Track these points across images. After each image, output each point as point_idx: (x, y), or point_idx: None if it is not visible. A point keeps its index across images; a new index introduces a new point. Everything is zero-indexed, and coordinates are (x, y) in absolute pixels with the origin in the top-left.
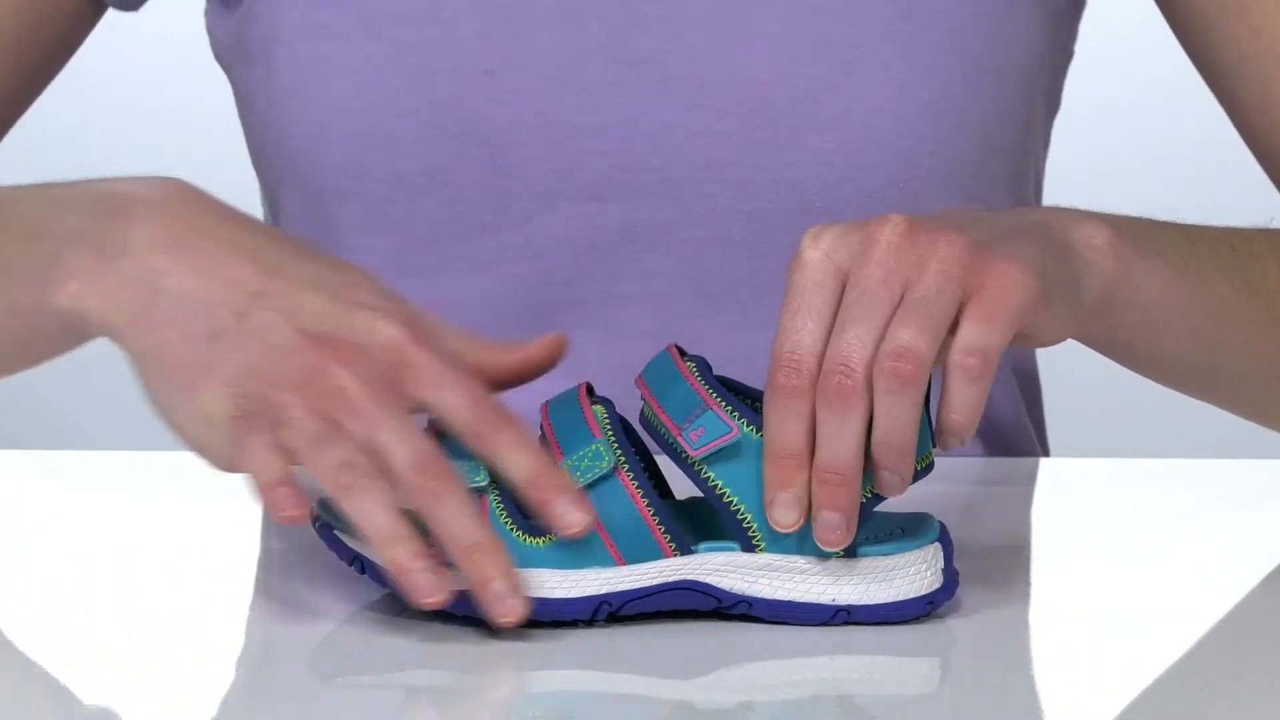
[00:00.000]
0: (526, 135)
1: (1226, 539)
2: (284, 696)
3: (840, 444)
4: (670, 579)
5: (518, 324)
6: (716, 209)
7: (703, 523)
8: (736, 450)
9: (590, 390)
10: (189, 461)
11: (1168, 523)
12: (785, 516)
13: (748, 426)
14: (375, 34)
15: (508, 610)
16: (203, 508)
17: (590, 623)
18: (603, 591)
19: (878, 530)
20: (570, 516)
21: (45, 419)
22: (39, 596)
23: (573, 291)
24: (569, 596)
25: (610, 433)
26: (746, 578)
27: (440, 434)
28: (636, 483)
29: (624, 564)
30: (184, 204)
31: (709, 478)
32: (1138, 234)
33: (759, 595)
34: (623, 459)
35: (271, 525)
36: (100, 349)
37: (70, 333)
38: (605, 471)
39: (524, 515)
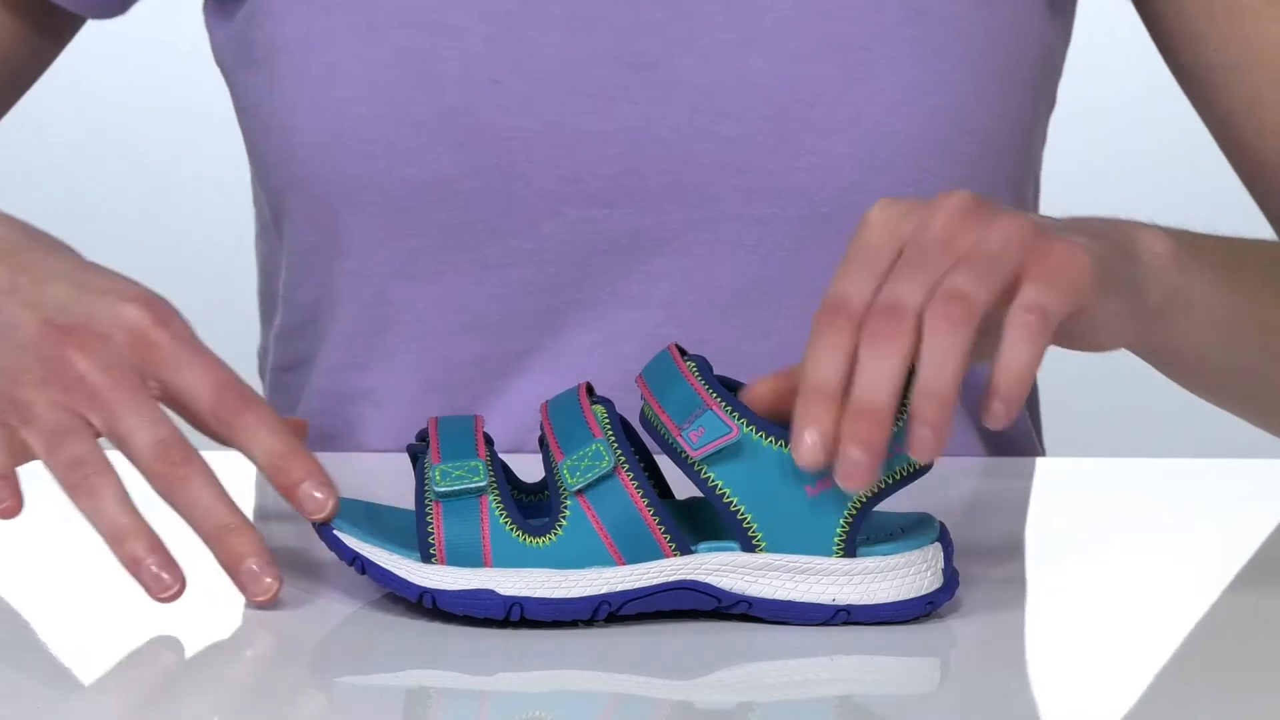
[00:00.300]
0: (534, 142)
1: (1226, 539)
2: (284, 697)
3: (878, 380)
4: (670, 579)
5: (524, 328)
6: (724, 214)
7: (703, 523)
8: (737, 450)
9: (590, 390)
10: None
11: (1167, 522)
12: (808, 454)
13: (747, 426)
14: (381, 42)
15: (264, 588)
16: None
17: (590, 623)
18: (602, 591)
19: (878, 530)
20: (314, 500)
21: None
22: (37, 597)
23: (579, 295)
24: (569, 596)
25: (610, 432)
26: (746, 578)
27: (440, 432)
28: (636, 483)
29: (624, 564)
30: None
31: (709, 478)
32: (1192, 243)
33: (759, 595)
34: (623, 459)
35: (271, 524)
36: None
37: None
38: (605, 471)
39: (524, 515)
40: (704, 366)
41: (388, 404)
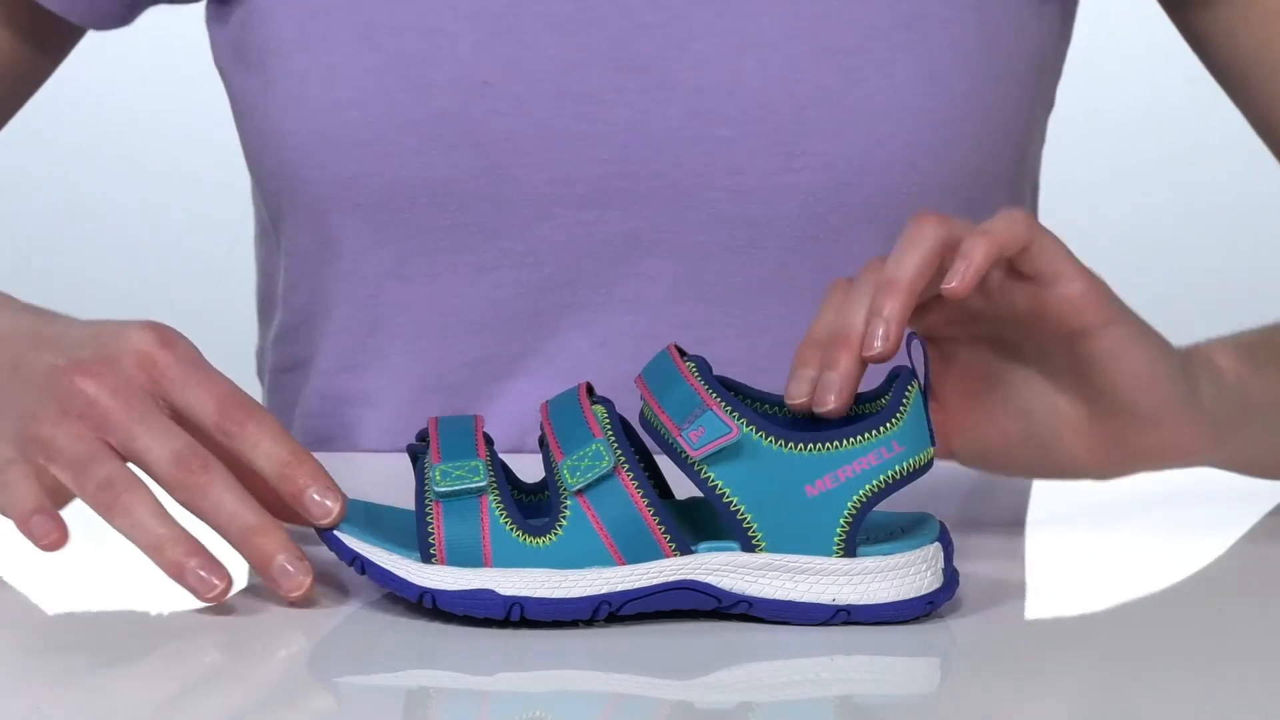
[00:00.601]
0: (527, 144)
1: (1226, 539)
2: (284, 697)
3: (849, 309)
4: (670, 579)
5: (518, 330)
6: (718, 215)
7: (703, 523)
8: (737, 450)
9: (590, 390)
10: None
11: (1167, 522)
12: (794, 389)
13: (747, 426)
14: (374, 44)
15: (297, 584)
16: None
17: (590, 623)
18: (603, 591)
19: (878, 530)
20: (320, 506)
21: None
22: (35, 596)
23: (573, 297)
24: (569, 596)
25: (610, 432)
26: (746, 578)
27: (440, 432)
28: (636, 482)
29: (624, 564)
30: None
31: (709, 478)
32: (1250, 344)
33: (759, 595)
34: (622, 459)
35: None
36: None
37: None
38: (605, 471)
39: (524, 515)
40: (703, 367)
41: (383, 406)
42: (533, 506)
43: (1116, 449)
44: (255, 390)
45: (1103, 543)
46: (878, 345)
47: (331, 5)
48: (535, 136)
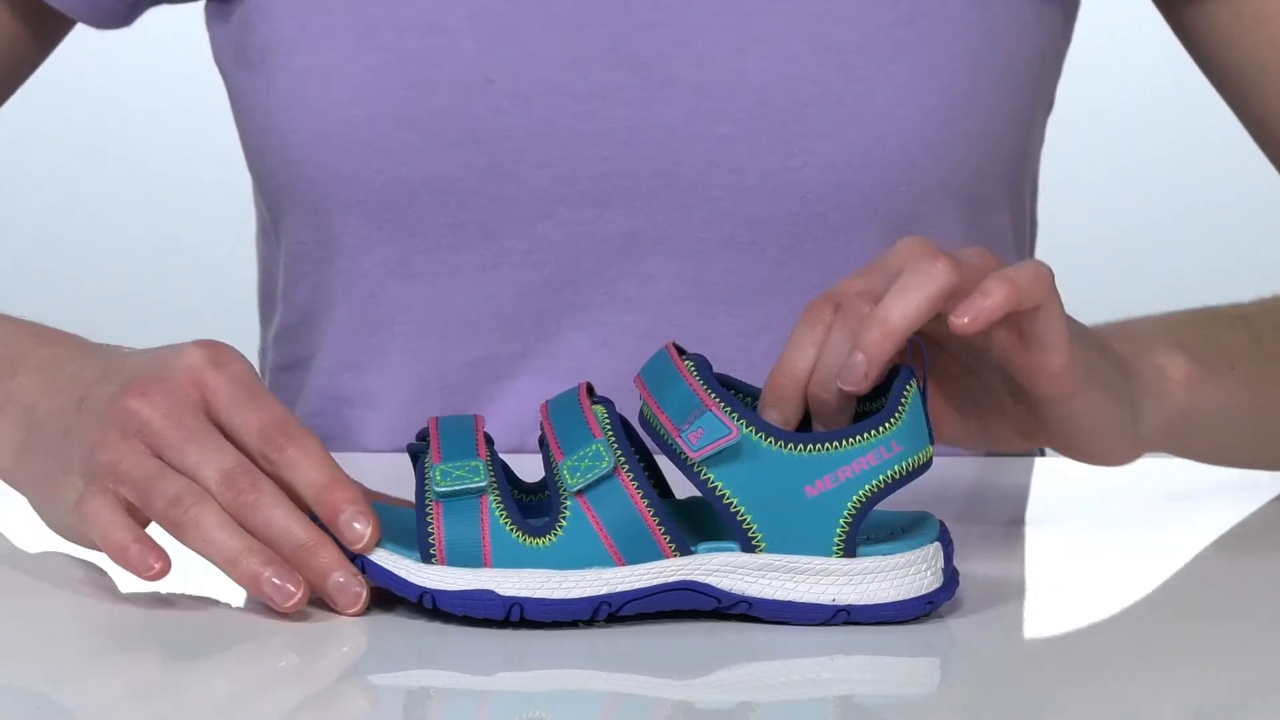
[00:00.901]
0: (528, 142)
1: (1226, 538)
2: (284, 697)
3: (835, 349)
4: (670, 579)
5: (519, 329)
6: (719, 213)
7: (702, 522)
8: (736, 451)
9: (590, 390)
10: None
11: (1166, 520)
12: (769, 413)
13: (747, 427)
14: (376, 42)
15: (352, 599)
16: None
17: (590, 623)
18: (602, 592)
19: (878, 530)
20: (352, 531)
21: None
22: (33, 595)
23: (575, 295)
24: (569, 597)
25: (610, 432)
26: (746, 578)
27: (440, 432)
28: (636, 483)
29: (624, 564)
30: (55, 344)
31: (708, 479)
32: (1213, 349)
33: (759, 595)
34: (622, 459)
35: None
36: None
37: None
38: (605, 472)
39: (524, 515)
40: (702, 366)
41: (384, 406)
42: (533, 506)
43: (1048, 444)
44: None
45: (1102, 543)
46: (856, 381)
47: (332, 3)
48: (536, 134)
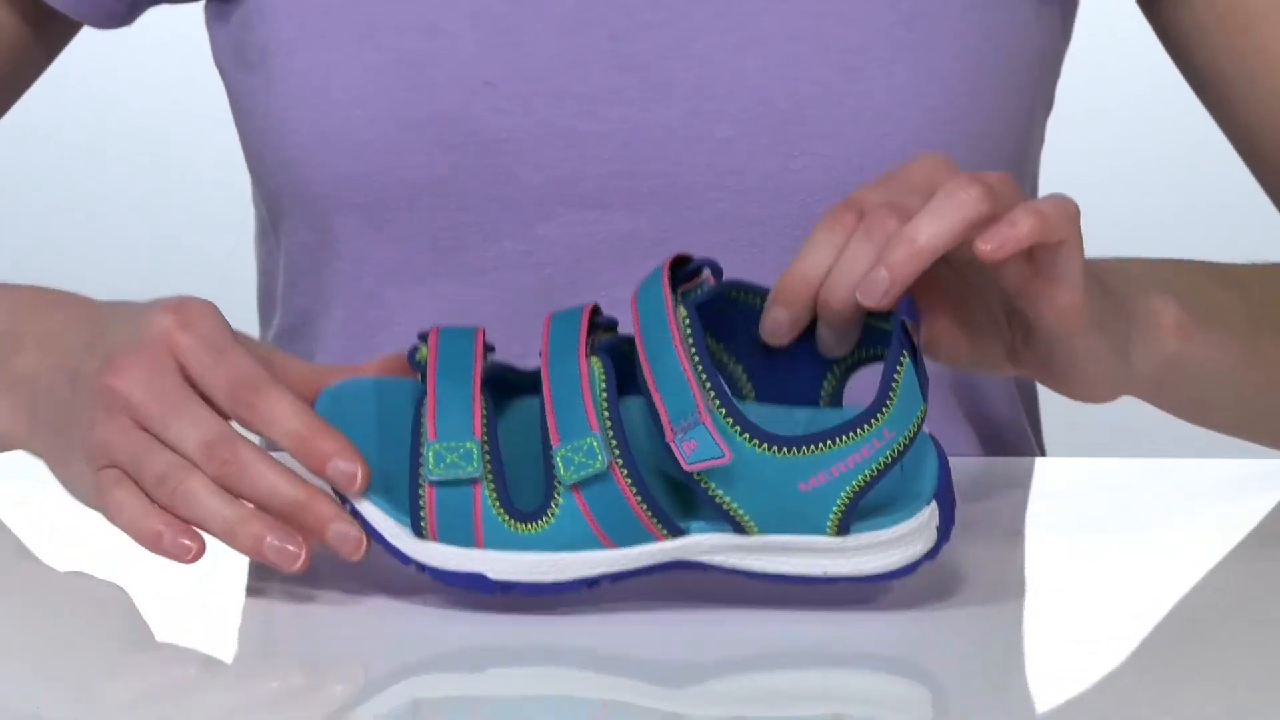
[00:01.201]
0: (528, 144)
1: (1226, 538)
2: (282, 696)
3: (855, 256)
4: (662, 561)
5: (520, 332)
6: (718, 215)
7: (696, 495)
8: (732, 464)
9: (595, 314)
10: None
11: (1166, 521)
12: (774, 326)
13: (741, 434)
14: (375, 44)
15: (354, 545)
16: None
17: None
18: (596, 573)
19: (872, 501)
20: (342, 476)
21: None
22: (30, 597)
23: (574, 297)
24: (561, 580)
25: (607, 422)
26: (736, 556)
27: (436, 406)
28: (630, 479)
29: (614, 548)
30: (61, 315)
31: (700, 478)
32: (1205, 303)
33: (751, 570)
34: (617, 455)
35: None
36: None
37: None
38: (599, 470)
39: (514, 504)
40: (696, 326)
41: None
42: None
43: (1035, 373)
44: None
45: (1102, 542)
46: (875, 298)
47: (332, 4)
48: (536, 136)
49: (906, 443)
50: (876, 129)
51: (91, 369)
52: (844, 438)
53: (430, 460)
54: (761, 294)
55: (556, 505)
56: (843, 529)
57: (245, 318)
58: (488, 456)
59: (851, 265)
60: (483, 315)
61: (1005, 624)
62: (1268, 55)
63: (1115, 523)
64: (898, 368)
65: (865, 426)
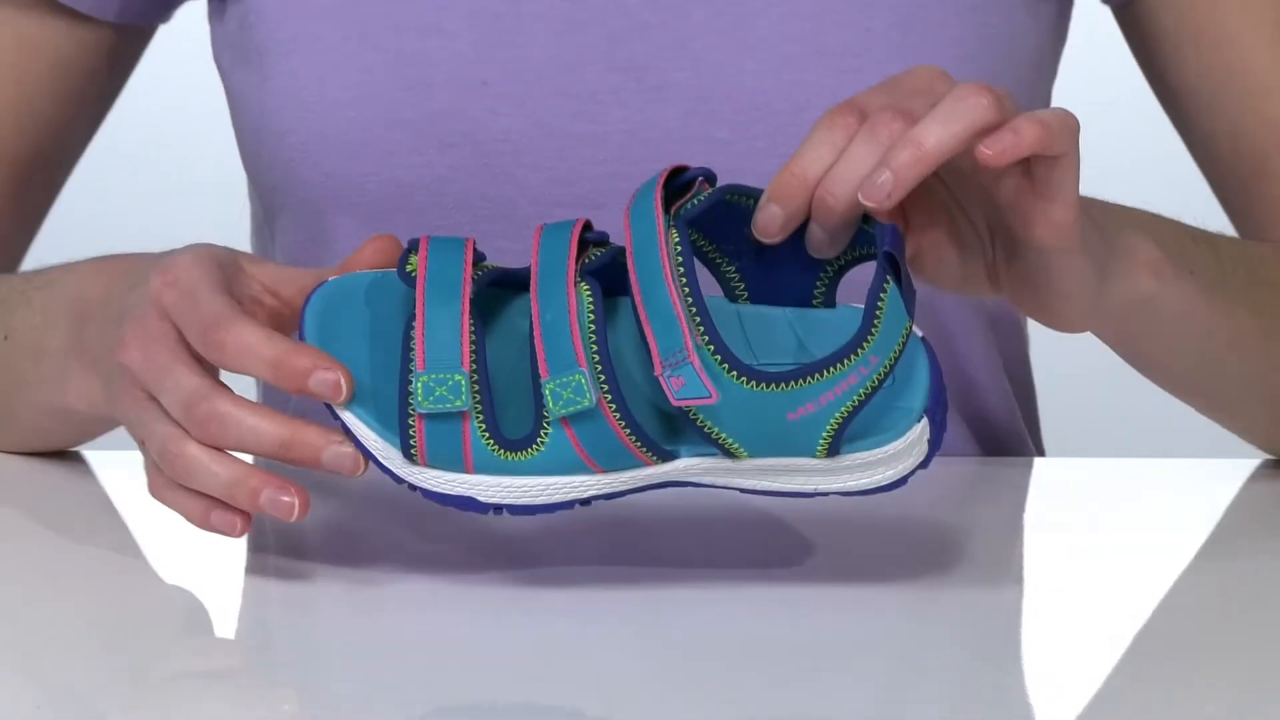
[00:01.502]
0: (524, 144)
1: (1225, 538)
2: (281, 696)
3: (857, 155)
4: (653, 483)
5: None
6: None
7: (685, 421)
8: (720, 400)
9: (586, 230)
10: None
11: (1165, 521)
12: (768, 222)
13: (729, 372)
14: (372, 44)
15: (352, 464)
16: None
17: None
18: (587, 495)
19: (862, 416)
20: (326, 388)
21: None
22: (34, 596)
23: None
24: (552, 501)
25: (595, 356)
26: (726, 478)
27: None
28: (619, 414)
29: (604, 473)
30: (108, 279)
31: (690, 410)
32: (1180, 251)
33: (741, 488)
34: (605, 390)
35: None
36: None
37: (95, 424)
38: (588, 407)
39: (503, 433)
40: (688, 254)
41: None
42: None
43: (1012, 294)
44: (252, 388)
45: (1102, 543)
46: (878, 199)
47: (329, 4)
48: (533, 136)
49: (893, 362)
50: None
51: (113, 343)
52: (830, 369)
53: (419, 393)
54: (757, 196)
55: (546, 435)
56: (833, 451)
57: None
58: (476, 389)
59: (854, 165)
60: None
61: (1004, 623)
62: (1235, 71)
63: (1113, 523)
64: (881, 295)
65: (851, 357)
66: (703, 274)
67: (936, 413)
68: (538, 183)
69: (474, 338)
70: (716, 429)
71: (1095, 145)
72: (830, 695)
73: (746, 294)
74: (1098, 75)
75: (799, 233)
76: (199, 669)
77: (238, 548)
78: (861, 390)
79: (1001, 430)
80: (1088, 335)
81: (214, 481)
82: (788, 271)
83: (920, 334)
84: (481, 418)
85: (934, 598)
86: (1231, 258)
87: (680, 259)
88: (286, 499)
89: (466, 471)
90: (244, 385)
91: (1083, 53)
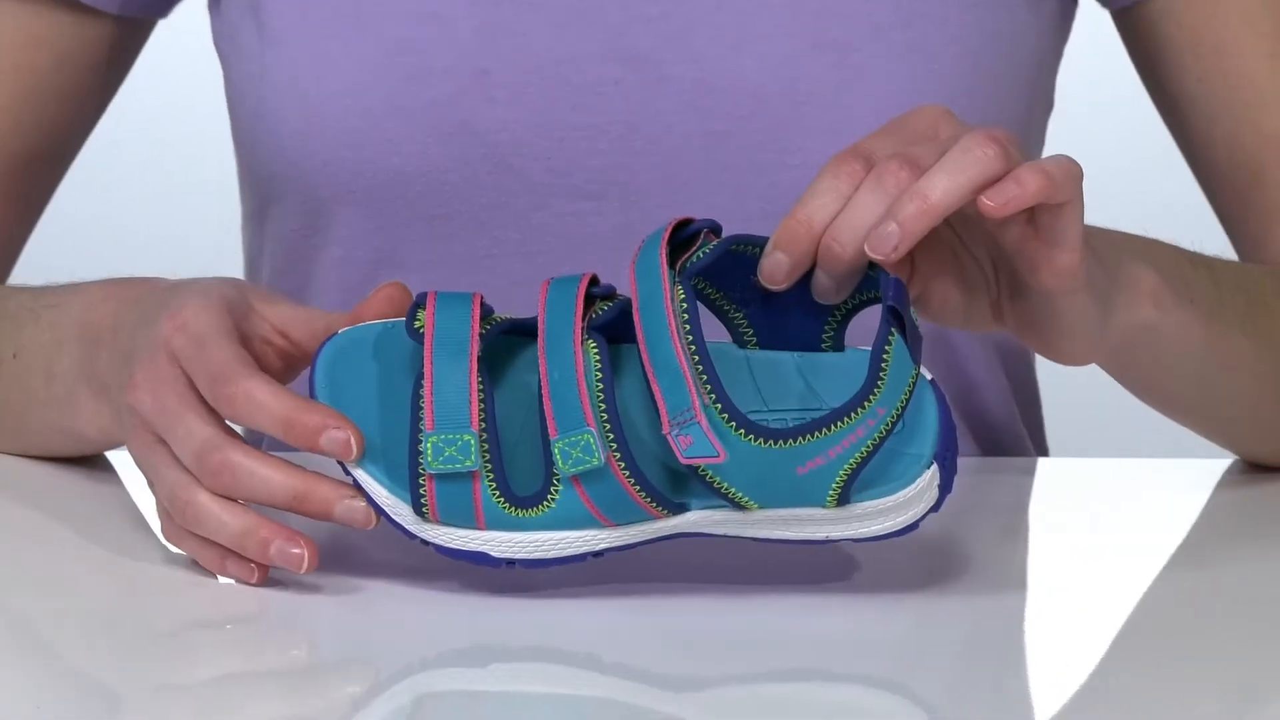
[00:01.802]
0: (523, 134)
1: (1226, 539)
2: (279, 696)
3: (864, 205)
4: (664, 535)
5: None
6: (713, 210)
7: (695, 476)
8: (729, 457)
9: (592, 284)
10: None
11: (1165, 520)
12: (773, 269)
13: (742, 434)
14: (371, 32)
15: (364, 518)
16: None
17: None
18: (599, 548)
19: (873, 470)
20: (337, 446)
21: None
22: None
23: None
24: (565, 555)
25: (604, 414)
26: (737, 529)
27: (434, 394)
28: (628, 472)
29: (616, 527)
30: (118, 306)
31: (699, 467)
32: (1179, 278)
33: (753, 538)
34: (615, 448)
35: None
36: None
37: (104, 444)
38: (597, 466)
39: (514, 490)
40: (694, 311)
41: None
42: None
43: (1017, 331)
44: None
45: (1102, 543)
46: (884, 251)
47: None
48: (531, 126)
49: (900, 411)
50: (872, 127)
51: (123, 380)
52: (838, 424)
53: (429, 453)
54: (763, 244)
55: (556, 491)
56: (843, 501)
57: None
58: (485, 448)
59: (860, 215)
60: None
61: (1004, 623)
62: (1233, 80)
63: (1114, 522)
64: (885, 348)
65: (858, 410)
66: (712, 321)
67: (946, 457)
68: (535, 173)
69: (483, 396)
70: (726, 484)
71: (1095, 145)
72: (830, 693)
73: (755, 340)
74: (1098, 75)
75: (806, 278)
76: (193, 668)
77: None
78: (870, 442)
79: (1000, 429)
80: None
81: (224, 531)
82: (795, 317)
83: (929, 376)
84: (491, 476)
85: (934, 597)
86: (1229, 281)
87: (686, 316)
88: (296, 551)
89: (478, 528)
90: None
91: (1083, 53)
